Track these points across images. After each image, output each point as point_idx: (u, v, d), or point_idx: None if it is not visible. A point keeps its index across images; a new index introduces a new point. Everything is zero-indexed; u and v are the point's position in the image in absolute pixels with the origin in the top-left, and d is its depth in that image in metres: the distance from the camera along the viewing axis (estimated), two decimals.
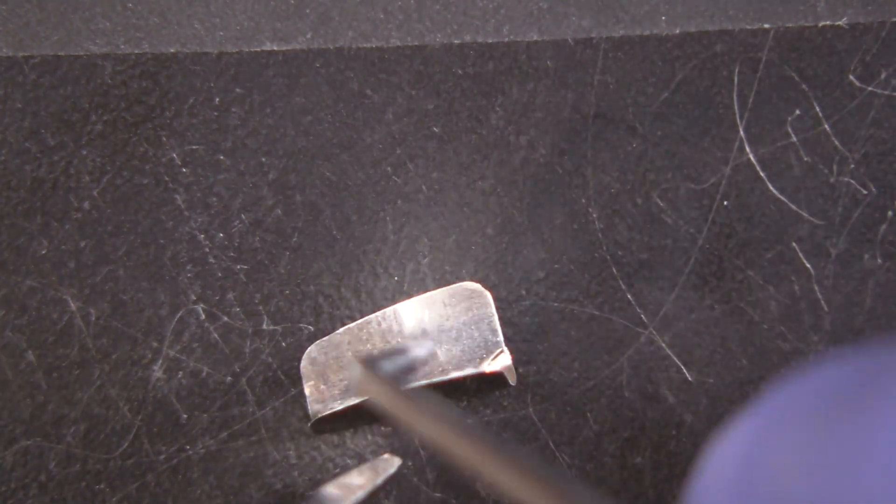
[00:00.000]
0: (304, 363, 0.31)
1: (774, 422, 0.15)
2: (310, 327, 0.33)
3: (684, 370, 0.32)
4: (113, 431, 0.32)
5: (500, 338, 0.30)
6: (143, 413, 0.32)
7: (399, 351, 0.28)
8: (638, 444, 0.31)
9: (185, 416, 0.32)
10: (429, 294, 0.31)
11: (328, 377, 0.31)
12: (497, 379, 0.32)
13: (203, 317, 0.33)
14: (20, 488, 0.32)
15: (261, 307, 0.33)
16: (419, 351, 0.29)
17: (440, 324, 0.31)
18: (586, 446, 0.32)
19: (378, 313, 0.31)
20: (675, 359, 0.32)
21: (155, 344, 0.33)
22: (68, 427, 0.32)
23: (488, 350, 0.30)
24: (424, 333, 0.30)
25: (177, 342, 0.33)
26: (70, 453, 0.32)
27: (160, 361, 0.33)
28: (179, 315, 0.33)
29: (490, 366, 0.30)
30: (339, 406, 0.30)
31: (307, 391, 0.31)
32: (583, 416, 0.32)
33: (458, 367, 0.30)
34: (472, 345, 0.30)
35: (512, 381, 0.31)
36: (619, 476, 0.31)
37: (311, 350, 0.32)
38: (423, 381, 0.30)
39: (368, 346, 0.31)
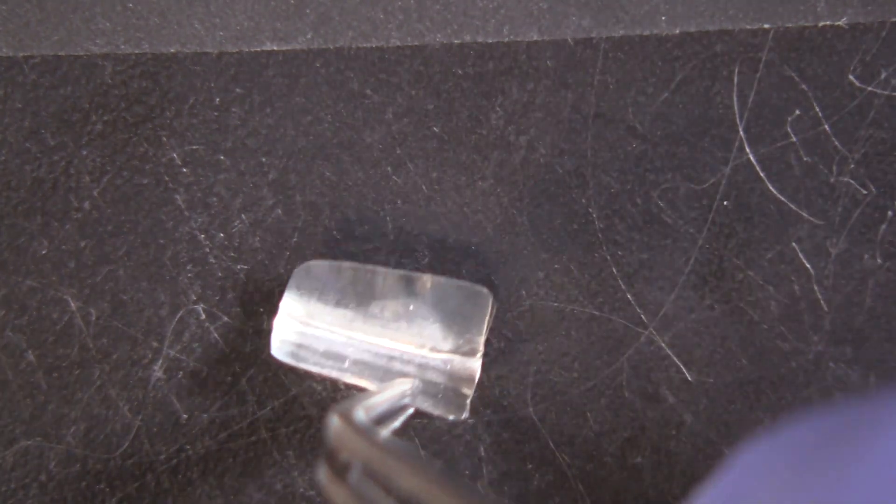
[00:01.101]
0: (296, 272, 0.31)
1: (749, 479, 0.15)
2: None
3: (684, 370, 0.32)
4: (113, 431, 0.32)
5: (481, 341, 0.30)
6: (143, 413, 0.32)
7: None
8: (638, 444, 0.31)
9: (185, 416, 0.32)
10: (440, 277, 0.31)
11: (315, 304, 0.31)
12: (493, 379, 0.32)
13: (203, 317, 0.33)
14: (20, 488, 0.32)
15: (261, 307, 0.33)
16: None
17: (435, 303, 0.31)
18: (586, 446, 0.32)
19: (389, 269, 0.31)
20: (675, 359, 0.32)
21: (155, 344, 0.33)
22: (68, 427, 0.32)
23: (466, 346, 0.30)
24: (414, 306, 0.30)
25: (177, 342, 0.33)
26: (70, 453, 0.32)
27: (160, 361, 0.33)
28: (179, 315, 0.33)
29: (457, 364, 0.30)
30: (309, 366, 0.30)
31: (282, 311, 0.31)
32: (583, 416, 0.32)
33: (433, 349, 0.30)
34: (453, 333, 0.30)
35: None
36: (619, 476, 0.31)
37: (310, 263, 0.31)
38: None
39: (359, 289, 0.31)
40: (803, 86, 0.33)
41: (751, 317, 0.32)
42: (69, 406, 0.32)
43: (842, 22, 0.34)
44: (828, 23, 0.34)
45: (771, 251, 0.32)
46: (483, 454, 0.32)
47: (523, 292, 0.33)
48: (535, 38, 0.34)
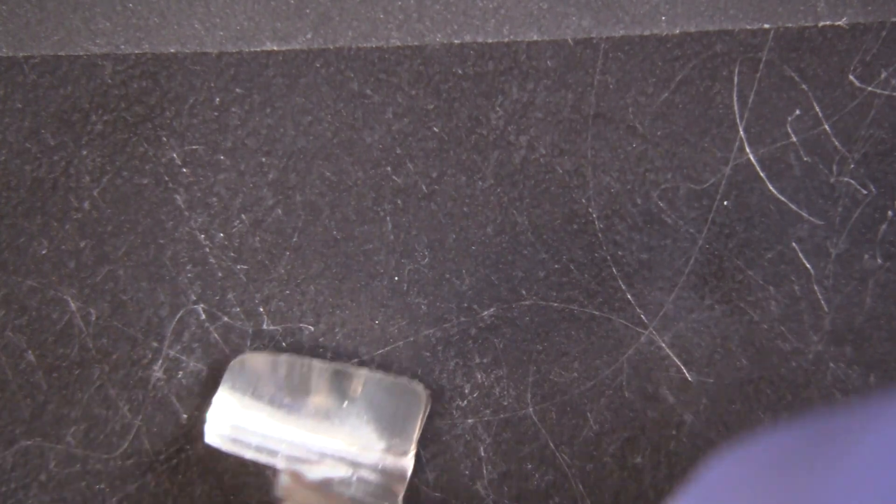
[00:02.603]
0: (232, 365, 0.31)
1: (721, 486, 0.15)
2: (310, 327, 0.33)
3: (684, 370, 0.32)
4: (113, 431, 0.32)
5: (412, 444, 0.30)
6: (143, 413, 0.32)
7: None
8: (638, 444, 0.31)
9: (184, 416, 0.32)
10: (374, 373, 0.31)
11: (252, 390, 0.31)
12: (493, 379, 0.32)
13: (203, 317, 0.33)
14: (20, 488, 0.32)
15: (261, 307, 0.33)
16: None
17: (368, 402, 0.31)
18: (586, 446, 0.32)
19: (324, 364, 0.31)
20: (675, 359, 0.32)
21: (155, 344, 0.33)
22: (68, 427, 0.32)
23: (399, 447, 0.30)
24: (348, 404, 0.31)
25: (177, 342, 0.33)
26: (70, 453, 0.32)
27: (160, 361, 0.33)
28: (179, 315, 0.33)
29: (388, 463, 0.30)
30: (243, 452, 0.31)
31: (219, 398, 0.31)
32: (583, 416, 0.32)
33: (365, 448, 0.30)
34: (386, 433, 0.30)
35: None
36: (619, 476, 0.31)
37: (246, 356, 0.32)
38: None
39: (294, 385, 0.31)
40: (803, 86, 0.33)
41: (751, 317, 0.32)
42: (69, 406, 0.32)
43: (842, 22, 0.34)
44: (828, 23, 0.34)
45: (771, 251, 0.32)
46: (483, 454, 0.32)
47: (523, 292, 0.33)
48: (535, 38, 0.34)
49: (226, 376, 0.31)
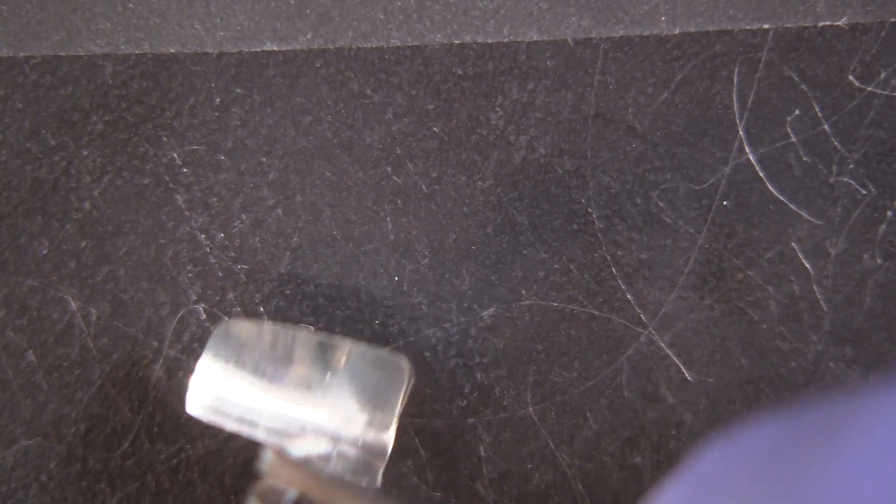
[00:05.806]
0: (216, 332, 0.31)
1: (711, 478, 0.15)
2: (310, 327, 0.33)
3: (684, 370, 0.32)
4: (113, 431, 0.32)
5: (393, 419, 0.29)
6: (144, 413, 0.32)
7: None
8: (638, 444, 0.31)
9: (185, 416, 0.32)
10: (359, 345, 0.31)
11: (236, 358, 0.30)
12: (493, 379, 0.32)
13: (203, 317, 0.33)
14: (20, 488, 0.32)
15: (261, 307, 0.33)
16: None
17: (351, 375, 0.30)
18: (586, 446, 0.32)
19: (309, 334, 0.31)
20: (675, 359, 0.32)
21: (155, 344, 0.33)
22: (68, 427, 0.32)
23: (380, 421, 0.30)
24: (332, 376, 0.30)
25: (177, 342, 0.33)
26: (70, 453, 0.32)
27: (160, 361, 0.33)
28: (180, 315, 0.33)
29: (369, 438, 0.29)
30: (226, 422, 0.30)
31: (200, 369, 0.30)
32: (583, 416, 0.32)
33: (347, 420, 0.30)
34: (368, 407, 0.30)
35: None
36: (619, 476, 0.31)
37: (230, 323, 0.31)
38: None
39: (278, 354, 0.30)
40: (803, 86, 0.33)
41: (751, 317, 0.32)
42: (69, 406, 0.32)
43: (842, 22, 0.34)
44: (828, 23, 0.34)
45: (771, 251, 0.32)
46: (483, 454, 0.32)
47: (523, 292, 0.33)
48: (535, 38, 0.34)
49: (210, 342, 0.30)
